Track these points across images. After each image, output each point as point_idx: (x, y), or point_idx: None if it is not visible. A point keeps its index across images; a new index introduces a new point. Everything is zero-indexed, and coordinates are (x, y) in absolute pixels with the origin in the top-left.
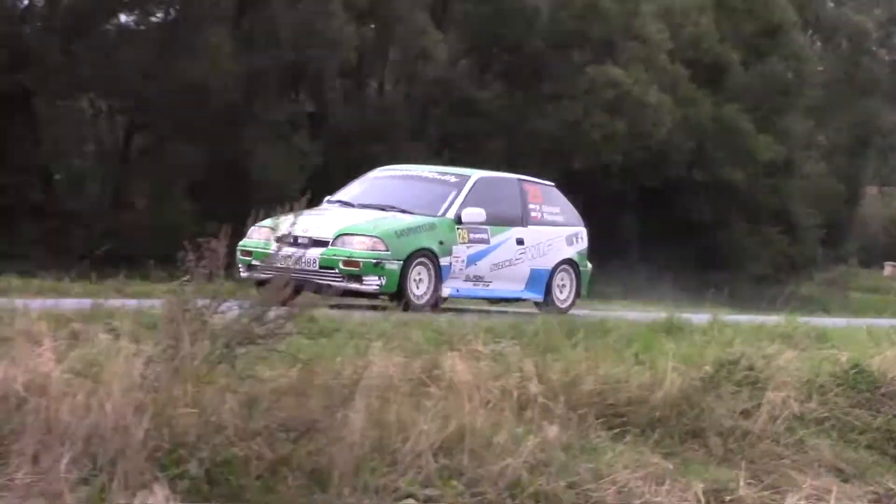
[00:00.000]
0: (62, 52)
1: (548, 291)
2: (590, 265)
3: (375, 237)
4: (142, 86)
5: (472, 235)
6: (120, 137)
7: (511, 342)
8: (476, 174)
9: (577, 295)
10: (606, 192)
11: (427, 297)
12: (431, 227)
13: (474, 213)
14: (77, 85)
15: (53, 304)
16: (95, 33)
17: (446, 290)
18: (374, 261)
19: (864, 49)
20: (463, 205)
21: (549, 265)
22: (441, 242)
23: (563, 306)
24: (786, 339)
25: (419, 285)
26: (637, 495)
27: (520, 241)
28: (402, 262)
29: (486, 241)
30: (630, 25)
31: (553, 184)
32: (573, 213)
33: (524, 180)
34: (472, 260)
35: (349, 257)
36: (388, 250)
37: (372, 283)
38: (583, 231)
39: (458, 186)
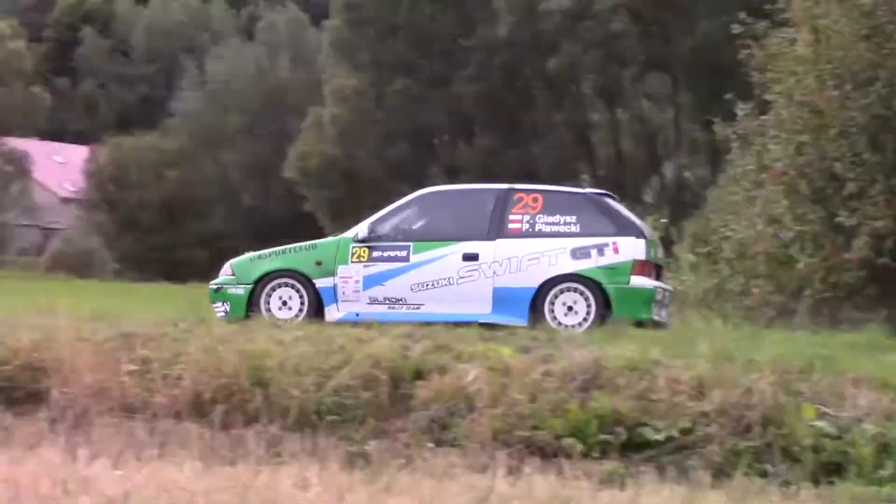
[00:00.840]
0: None
1: (537, 313)
2: (641, 282)
3: (229, 264)
4: None
5: (374, 254)
6: None
7: None
8: (428, 189)
9: (601, 317)
10: None
11: (299, 320)
12: (311, 248)
13: (364, 229)
14: None
15: None
16: None
17: (336, 314)
18: (216, 287)
19: None
20: (374, 222)
21: (535, 283)
22: (318, 263)
23: (569, 333)
24: None
25: (283, 309)
26: None
27: (470, 258)
28: (249, 286)
29: (404, 259)
30: None
31: (586, 191)
32: (610, 223)
33: (514, 189)
34: (377, 280)
35: (215, 286)
36: (233, 275)
37: (219, 309)
38: (616, 242)
39: (399, 203)
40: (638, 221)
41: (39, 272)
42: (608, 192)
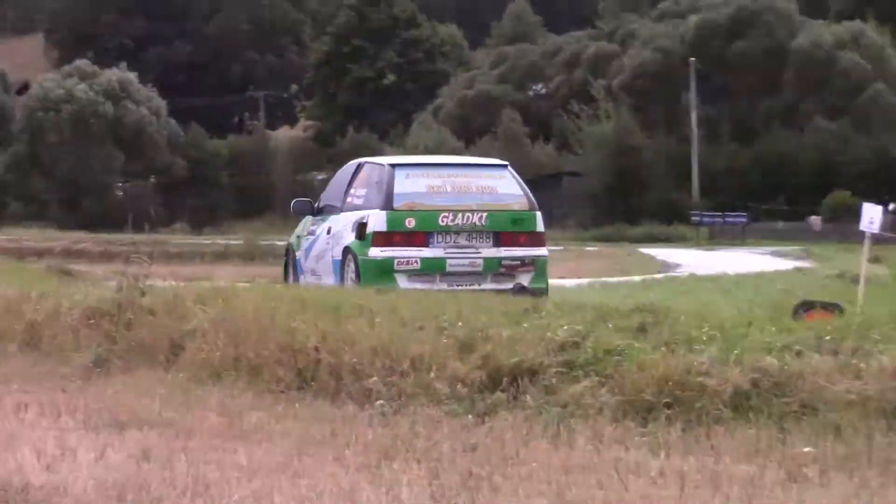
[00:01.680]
0: None
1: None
2: (377, 252)
3: None
4: None
5: (310, 227)
6: None
7: None
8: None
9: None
10: None
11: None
12: (304, 222)
13: (298, 205)
14: None
15: None
16: None
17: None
18: None
19: None
20: (321, 195)
21: (339, 255)
22: (298, 237)
23: None
24: None
25: (290, 276)
26: None
27: (329, 231)
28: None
29: (314, 233)
30: None
31: (388, 163)
32: (380, 196)
33: (363, 163)
34: (307, 253)
35: None
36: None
37: None
38: (368, 215)
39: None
40: (400, 193)
41: None
42: (405, 163)
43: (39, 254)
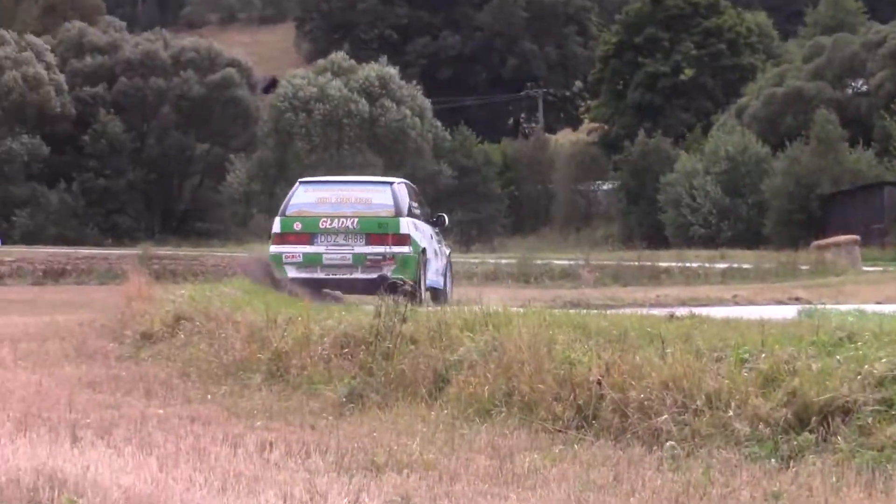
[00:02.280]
0: None
1: None
2: (273, 249)
3: None
4: None
5: None
6: None
7: None
8: None
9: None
10: None
11: None
12: None
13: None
14: None
15: None
16: None
17: None
18: None
19: None
20: None
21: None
22: None
23: None
24: None
25: None
26: None
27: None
28: None
29: None
30: None
31: (299, 180)
32: (282, 205)
33: (298, 181)
34: None
35: None
36: None
37: None
38: (275, 220)
39: None
40: (294, 203)
41: None
42: (310, 180)
43: None
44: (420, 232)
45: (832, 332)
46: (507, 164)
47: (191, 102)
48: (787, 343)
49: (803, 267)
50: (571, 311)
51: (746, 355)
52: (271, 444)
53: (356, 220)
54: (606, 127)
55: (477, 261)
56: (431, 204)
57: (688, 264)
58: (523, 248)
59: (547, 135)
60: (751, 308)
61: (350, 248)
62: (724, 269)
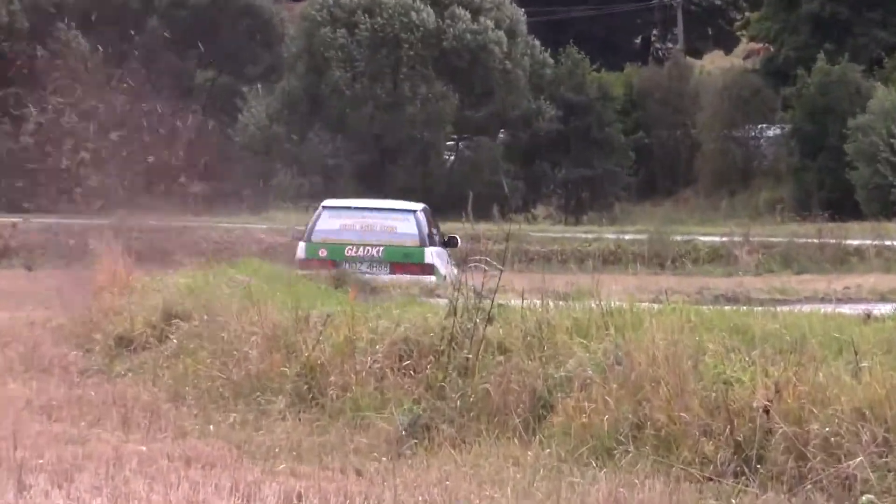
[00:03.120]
0: None
1: None
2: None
3: None
4: None
5: None
6: None
7: None
8: None
9: None
10: None
11: None
12: None
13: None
14: None
15: None
16: None
17: None
18: None
19: None
20: None
21: None
22: None
23: None
24: None
25: None
26: None
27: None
28: None
29: None
30: None
31: (322, 205)
32: (307, 230)
33: (321, 205)
34: None
35: None
36: None
37: None
38: (299, 245)
39: None
40: (319, 230)
41: None
42: (334, 206)
43: None
44: (440, 259)
45: None
46: (632, 99)
47: (189, 12)
48: None
49: None
50: (726, 308)
51: None
52: (300, 496)
53: (381, 248)
54: (772, 49)
55: (591, 236)
56: (527, 155)
57: (890, 242)
58: (655, 220)
59: (689, 59)
60: None
61: (374, 276)
62: None
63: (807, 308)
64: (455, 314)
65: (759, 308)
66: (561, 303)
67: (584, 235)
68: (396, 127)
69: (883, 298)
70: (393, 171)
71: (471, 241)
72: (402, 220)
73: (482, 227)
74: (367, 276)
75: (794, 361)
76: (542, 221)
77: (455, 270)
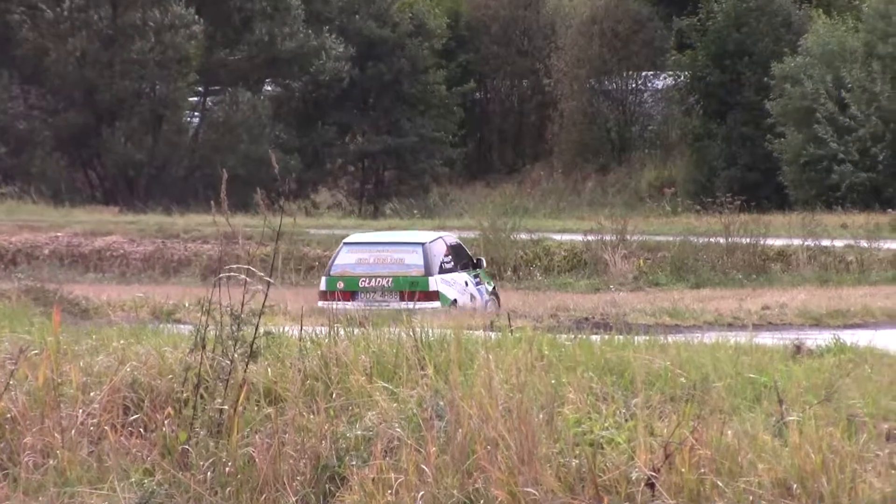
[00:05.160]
0: None
1: None
2: (322, 304)
3: None
4: None
5: None
6: None
7: None
8: None
9: None
10: None
11: None
12: None
13: None
14: None
15: None
16: None
17: None
18: None
19: None
20: None
21: None
22: None
23: None
24: None
25: None
26: None
27: None
28: None
29: None
30: None
31: (343, 241)
32: (329, 265)
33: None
34: None
35: None
36: None
37: None
38: (322, 278)
39: None
40: (337, 264)
41: None
42: (352, 241)
43: None
44: (450, 285)
45: None
46: (460, 36)
47: None
48: None
49: None
50: (593, 337)
51: None
52: None
53: (391, 279)
54: None
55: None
56: (304, 115)
57: (827, 243)
58: (491, 210)
59: None
60: None
61: (387, 303)
62: None
63: (710, 337)
64: (202, 347)
65: (642, 338)
66: (357, 330)
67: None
68: (116, 74)
69: (817, 323)
70: (110, 138)
71: (224, 241)
72: (410, 251)
73: (239, 221)
74: (379, 304)
75: (692, 414)
76: (326, 213)
77: (489, 286)
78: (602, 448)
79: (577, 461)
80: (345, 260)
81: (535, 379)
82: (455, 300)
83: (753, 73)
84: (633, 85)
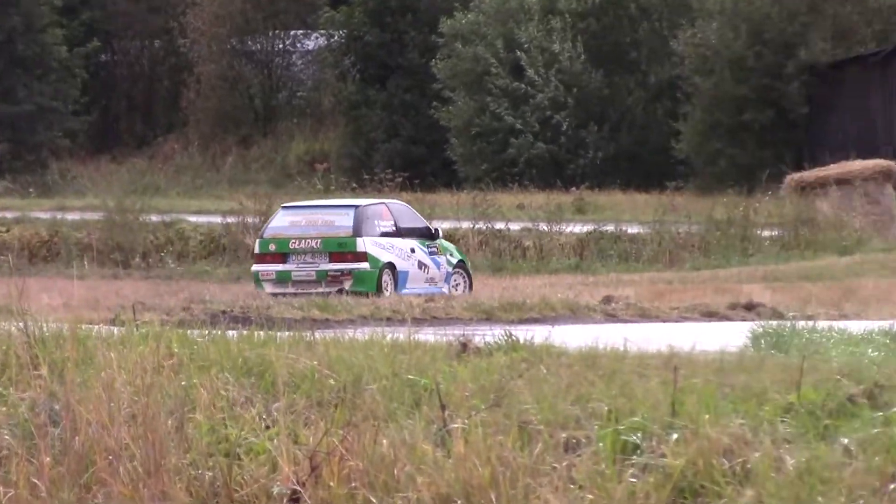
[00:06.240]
0: None
1: None
2: (255, 267)
3: None
4: None
5: None
6: None
7: None
8: None
9: None
10: None
11: None
12: None
13: None
14: None
15: None
16: None
17: None
18: None
19: None
20: None
21: None
22: None
23: None
24: None
25: None
26: None
27: None
28: None
29: None
30: None
31: (281, 205)
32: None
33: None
34: None
35: None
36: None
37: None
38: (255, 241)
39: None
40: (271, 227)
41: None
42: (289, 205)
43: None
44: (384, 249)
45: (833, 385)
46: None
47: None
48: (732, 409)
49: (765, 234)
50: (230, 333)
51: (634, 436)
52: None
53: (320, 240)
54: None
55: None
56: None
57: (501, 226)
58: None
59: None
60: (645, 326)
61: (316, 265)
62: (586, 237)
63: (364, 333)
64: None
65: (286, 334)
66: None
67: None
68: None
69: (489, 317)
70: None
71: None
72: (342, 214)
73: None
74: (309, 265)
75: (342, 420)
76: None
77: (454, 258)
78: (240, 459)
79: (211, 473)
80: (279, 223)
81: (164, 380)
82: (391, 263)
83: (419, 33)
84: (281, 46)
